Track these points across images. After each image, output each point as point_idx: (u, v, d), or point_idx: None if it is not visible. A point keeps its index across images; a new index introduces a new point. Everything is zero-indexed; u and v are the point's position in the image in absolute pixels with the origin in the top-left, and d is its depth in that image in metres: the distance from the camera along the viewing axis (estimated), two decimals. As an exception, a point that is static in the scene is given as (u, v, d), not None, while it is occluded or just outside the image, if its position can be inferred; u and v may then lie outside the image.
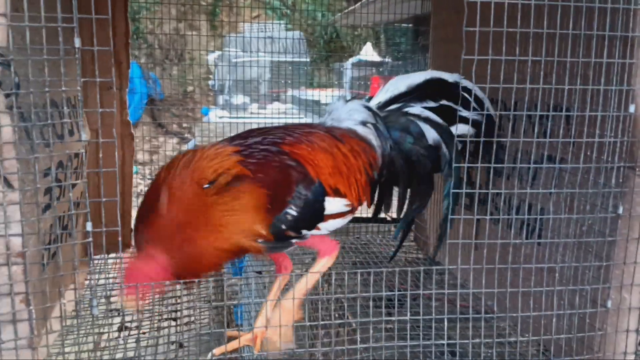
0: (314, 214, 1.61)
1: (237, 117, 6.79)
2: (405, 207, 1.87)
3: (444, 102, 1.80)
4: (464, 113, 1.76)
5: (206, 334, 1.82)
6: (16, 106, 1.20)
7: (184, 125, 11.05)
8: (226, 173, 1.48)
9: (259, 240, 1.52)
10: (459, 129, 1.77)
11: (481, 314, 1.77)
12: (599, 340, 1.57)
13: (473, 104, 1.74)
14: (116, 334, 1.91)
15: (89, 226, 1.26)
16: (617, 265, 1.52)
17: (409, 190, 1.84)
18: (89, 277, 2.15)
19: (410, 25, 6.02)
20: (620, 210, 1.49)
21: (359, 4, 5.60)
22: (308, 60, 7.44)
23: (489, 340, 1.60)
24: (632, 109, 1.45)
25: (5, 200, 1.20)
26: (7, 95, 1.19)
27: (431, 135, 1.77)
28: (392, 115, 1.79)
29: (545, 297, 1.61)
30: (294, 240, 1.61)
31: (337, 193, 1.64)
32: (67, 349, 1.67)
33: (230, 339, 1.75)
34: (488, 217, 1.77)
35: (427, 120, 1.78)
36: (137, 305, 1.42)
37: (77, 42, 1.18)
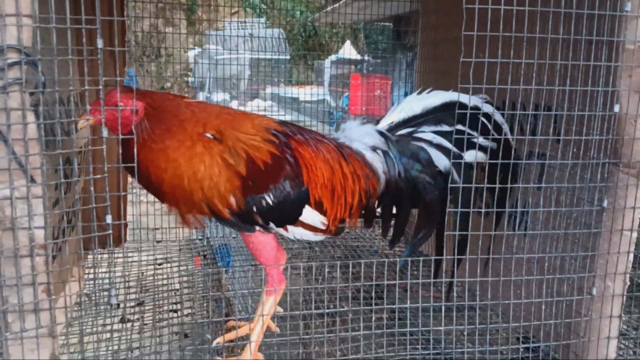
0: (287, 214, 1.63)
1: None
2: (413, 235, 1.87)
3: (459, 127, 1.75)
4: (480, 139, 1.73)
5: (207, 323, 1.89)
6: (43, 104, 1.25)
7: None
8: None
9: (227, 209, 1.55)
10: (472, 155, 1.76)
11: (465, 303, 1.86)
12: (584, 325, 1.68)
13: (491, 130, 1.73)
14: (118, 326, 1.95)
15: (108, 219, 1.31)
16: (601, 255, 1.62)
17: (416, 217, 1.84)
18: (90, 271, 2.18)
19: (390, 24, 6.12)
20: (605, 204, 1.60)
21: (339, 3, 5.67)
22: (288, 57, 7.50)
23: (475, 327, 1.69)
24: (616, 108, 1.55)
25: (30, 194, 1.24)
26: (32, 94, 1.24)
27: (442, 162, 1.77)
28: (403, 141, 1.78)
29: (534, 286, 1.70)
30: (257, 227, 1.62)
31: (319, 207, 1.66)
32: (71, 340, 1.72)
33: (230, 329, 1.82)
34: (472, 210, 1.85)
35: (438, 147, 1.77)
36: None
37: (100, 43, 1.23)
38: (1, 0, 1.17)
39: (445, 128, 1.78)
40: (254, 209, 1.56)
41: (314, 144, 1.68)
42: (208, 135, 1.53)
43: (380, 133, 1.78)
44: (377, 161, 1.74)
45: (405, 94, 3.68)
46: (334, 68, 7.94)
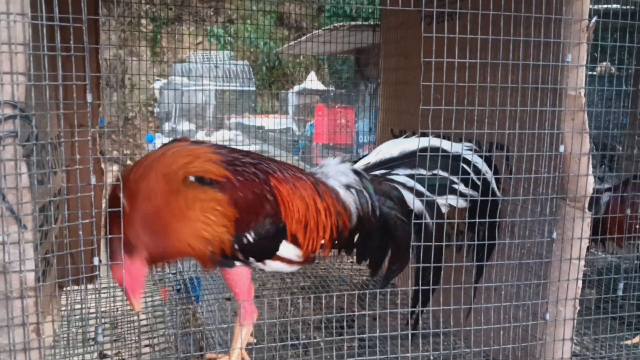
0: (266, 249, 1.72)
1: (184, 145, 6.86)
2: (385, 269, 1.94)
3: (437, 172, 1.81)
4: (459, 186, 1.82)
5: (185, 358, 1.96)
6: (38, 152, 1.33)
7: (125, 152, 10.94)
8: (213, 175, 1.61)
9: (210, 250, 1.62)
10: (449, 199, 1.84)
11: (429, 330, 1.97)
12: (539, 348, 1.81)
13: (474, 178, 1.80)
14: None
15: (95, 260, 1.39)
16: (553, 282, 1.76)
17: (391, 252, 1.90)
18: (63, 309, 2.23)
19: (352, 56, 6.30)
20: (555, 235, 1.74)
21: (302, 38, 5.83)
22: (254, 89, 7.62)
23: (440, 352, 1.81)
24: (561, 148, 1.71)
25: (23, 239, 1.32)
26: (24, 145, 1.32)
27: (415, 204, 1.83)
28: (376, 180, 1.86)
29: (493, 313, 1.83)
30: (237, 263, 1.71)
31: (295, 240, 1.74)
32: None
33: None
34: (434, 243, 1.97)
35: (411, 190, 1.82)
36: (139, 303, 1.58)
37: (89, 97, 1.33)
38: (-2, 59, 1.25)
39: (421, 172, 1.84)
40: (236, 246, 1.64)
41: (292, 180, 1.75)
42: (191, 178, 1.60)
43: (355, 172, 1.87)
44: (349, 199, 1.82)
45: (370, 129, 3.84)
46: (298, 98, 8.10)
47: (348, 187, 1.84)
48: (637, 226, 2.06)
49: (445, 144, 1.83)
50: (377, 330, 1.85)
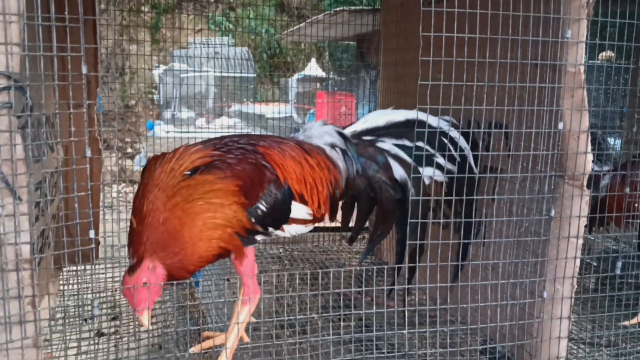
0: (281, 214, 1.73)
1: (184, 132, 6.86)
2: (371, 234, 1.98)
3: (420, 144, 1.86)
4: (440, 160, 1.86)
5: (181, 334, 1.96)
6: (34, 126, 1.32)
7: (126, 140, 10.94)
8: (204, 161, 1.61)
9: (229, 232, 1.61)
10: (430, 171, 1.88)
11: (426, 307, 1.98)
12: (536, 327, 1.81)
13: (455, 154, 1.85)
14: (94, 340, 2.00)
15: (91, 233, 1.38)
16: (550, 260, 1.76)
17: (375, 217, 1.94)
18: (62, 287, 2.23)
19: (354, 43, 6.27)
20: (553, 213, 1.74)
21: (303, 23, 5.79)
22: (254, 75, 7.60)
23: (436, 329, 1.81)
24: (560, 126, 1.70)
25: (18, 211, 1.31)
26: (19, 117, 1.31)
27: (398, 172, 1.88)
28: (362, 145, 1.90)
29: (490, 291, 1.83)
30: (258, 237, 1.72)
31: (302, 200, 1.77)
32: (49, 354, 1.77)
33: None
34: (431, 220, 1.98)
35: (396, 157, 1.88)
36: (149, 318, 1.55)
37: (84, 69, 1.32)
38: (-9, 30, 1.24)
39: (406, 143, 1.89)
40: (253, 219, 1.65)
41: (278, 145, 1.77)
42: (186, 173, 1.59)
43: (340, 133, 1.90)
44: (336, 157, 1.86)
45: (370, 112, 3.82)
46: (299, 86, 8.07)
47: (333, 146, 1.87)
48: (637, 205, 2.06)
49: (432, 119, 1.86)
50: (374, 309, 1.85)
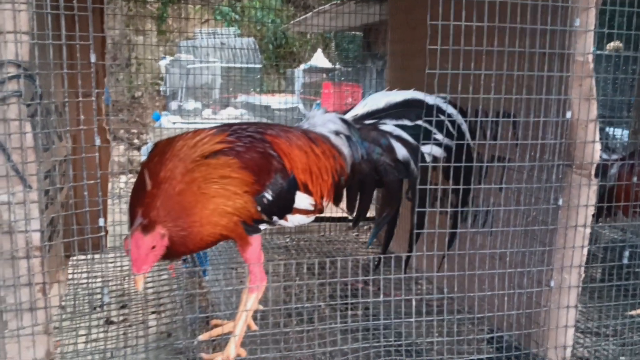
0: (285, 203, 1.74)
1: (190, 123, 6.87)
2: (377, 215, 1.99)
3: (419, 122, 1.88)
4: (438, 136, 1.88)
5: (189, 322, 1.98)
6: (42, 114, 1.33)
7: (132, 130, 10.94)
8: (221, 147, 1.62)
9: (236, 221, 1.61)
10: (431, 150, 1.89)
11: (434, 300, 1.98)
12: (543, 316, 1.81)
13: (448, 126, 1.86)
14: (103, 328, 2.02)
15: (101, 221, 1.39)
16: (558, 249, 1.76)
17: (381, 199, 1.97)
18: (71, 275, 2.25)
19: (360, 33, 6.25)
20: (560, 202, 1.74)
21: (309, 14, 5.78)
22: (260, 66, 7.60)
23: (444, 318, 1.81)
24: (568, 115, 1.70)
25: (28, 199, 1.33)
26: (28, 105, 1.32)
27: (401, 152, 1.89)
28: (365, 129, 1.91)
29: (497, 281, 1.83)
30: (262, 226, 1.72)
31: (306, 189, 1.78)
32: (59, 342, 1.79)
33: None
34: (439, 209, 1.97)
35: (398, 138, 1.90)
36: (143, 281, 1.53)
37: (93, 58, 1.32)
38: (1, 18, 1.25)
39: (406, 122, 1.91)
40: (259, 208, 1.66)
41: (284, 134, 1.78)
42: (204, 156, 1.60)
43: (343, 120, 1.91)
44: (341, 144, 1.86)
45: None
46: (305, 76, 8.06)
47: (337, 133, 1.87)
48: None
49: (429, 98, 1.89)
50: (381, 297, 1.85)
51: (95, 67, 2.59)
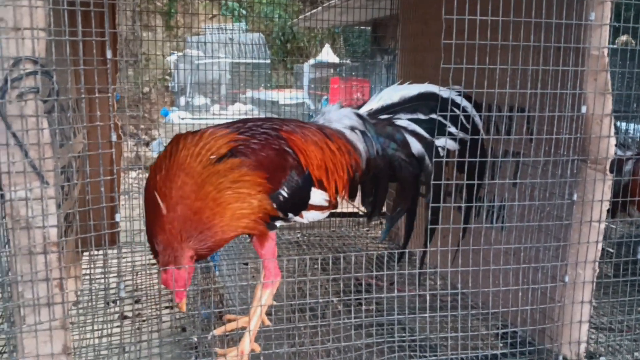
0: (300, 200, 1.74)
1: (200, 118, 6.88)
2: (391, 210, 1.98)
3: (433, 116, 1.88)
4: (452, 130, 1.88)
5: (206, 318, 1.98)
6: (57, 110, 1.34)
7: (141, 126, 10.95)
8: (230, 147, 1.61)
9: (254, 219, 1.62)
10: (445, 143, 1.89)
11: (447, 295, 1.98)
12: (557, 311, 1.81)
13: (465, 123, 1.86)
14: (118, 323, 2.03)
15: (117, 217, 1.40)
16: (572, 245, 1.75)
17: (395, 193, 1.97)
18: (86, 270, 2.26)
19: (368, 27, 6.24)
20: (575, 197, 1.73)
21: (317, 9, 5.77)
22: (268, 62, 7.59)
23: (458, 313, 1.81)
24: (583, 109, 1.69)
25: (45, 195, 1.33)
26: (45, 101, 1.33)
27: (416, 147, 1.90)
28: (380, 124, 1.91)
29: (511, 276, 1.83)
30: (277, 223, 1.73)
31: (321, 186, 1.78)
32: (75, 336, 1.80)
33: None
34: (453, 204, 1.97)
35: (413, 133, 1.90)
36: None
37: (109, 54, 1.33)
38: (18, 14, 1.25)
39: (420, 116, 1.91)
40: (274, 205, 1.66)
41: (300, 130, 1.78)
42: (212, 157, 1.59)
43: (358, 115, 1.91)
44: (356, 139, 1.87)
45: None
46: (313, 72, 8.05)
47: (353, 128, 1.87)
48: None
49: (442, 91, 1.87)
50: (395, 292, 1.85)
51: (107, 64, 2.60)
